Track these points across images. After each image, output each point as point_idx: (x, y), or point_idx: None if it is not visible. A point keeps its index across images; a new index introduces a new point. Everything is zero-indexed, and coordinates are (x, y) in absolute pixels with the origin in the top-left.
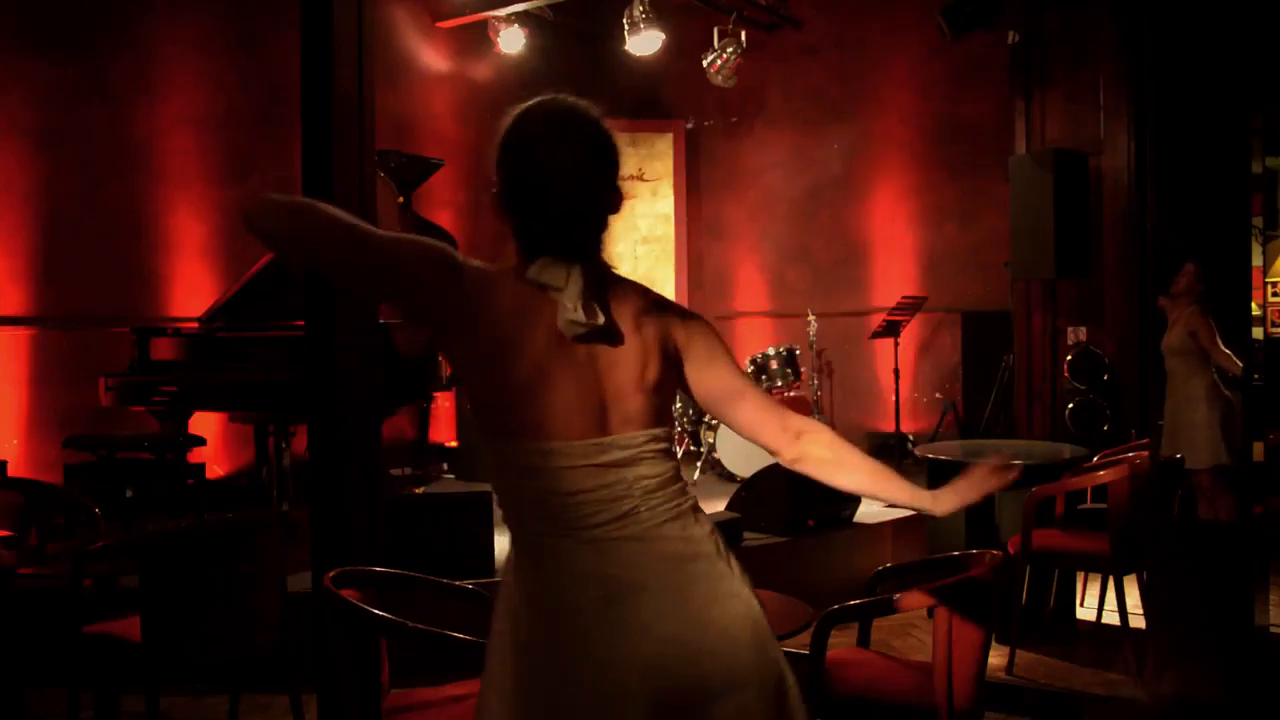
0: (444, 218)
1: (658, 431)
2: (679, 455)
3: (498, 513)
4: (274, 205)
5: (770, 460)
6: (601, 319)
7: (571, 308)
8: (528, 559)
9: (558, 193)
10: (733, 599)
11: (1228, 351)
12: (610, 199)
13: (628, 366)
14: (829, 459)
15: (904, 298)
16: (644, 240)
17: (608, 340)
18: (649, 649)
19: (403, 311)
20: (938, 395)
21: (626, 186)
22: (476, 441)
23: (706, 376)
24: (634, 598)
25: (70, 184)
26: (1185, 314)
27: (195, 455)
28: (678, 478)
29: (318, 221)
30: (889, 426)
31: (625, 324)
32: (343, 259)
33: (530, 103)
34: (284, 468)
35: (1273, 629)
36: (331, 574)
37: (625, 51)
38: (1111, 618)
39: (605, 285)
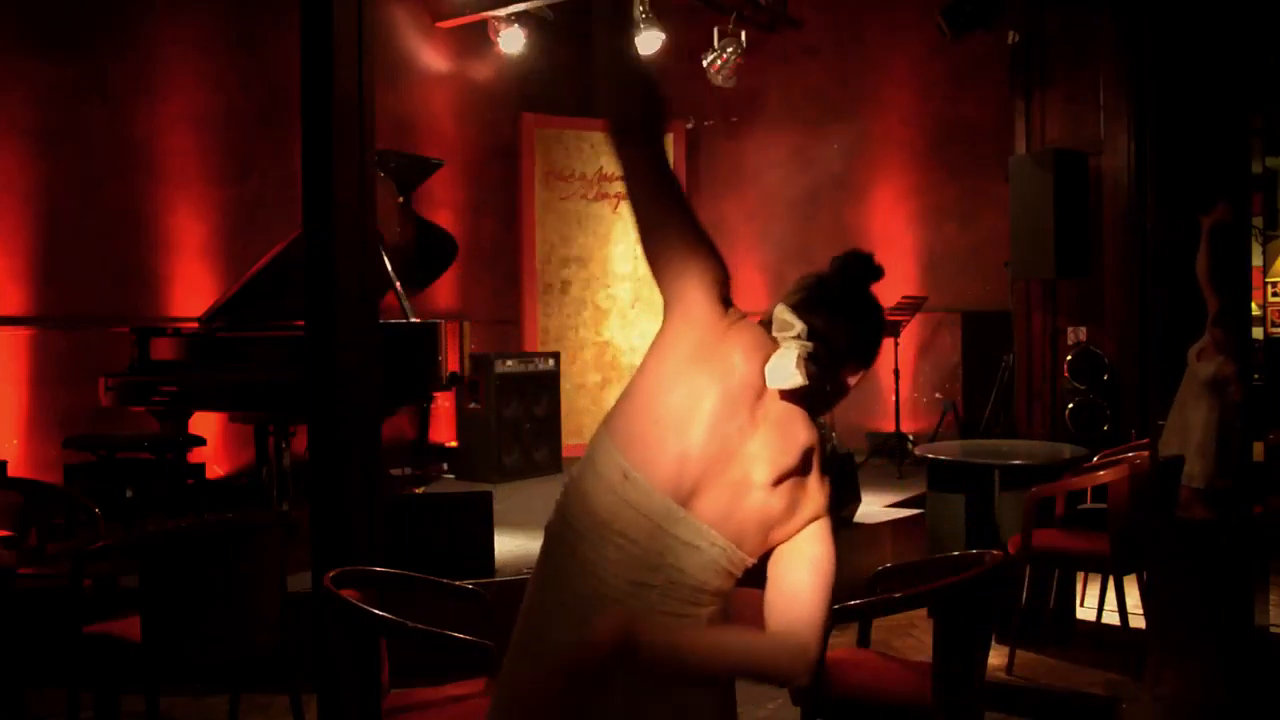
0: (444, 218)
1: (728, 547)
2: None
3: (498, 512)
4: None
5: None
6: (799, 384)
7: (789, 359)
8: (548, 566)
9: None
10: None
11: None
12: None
13: (756, 475)
14: None
15: (904, 298)
16: None
17: (779, 439)
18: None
19: (668, 272)
20: (938, 395)
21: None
22: (476, 442)
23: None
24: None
25: (70, 184)
26: (1221, 357)
27: (195, 455)
28: (709, 596)
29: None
30: (889, 426)
31: (789, 458)
32: (672, 188)
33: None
34: (284, 468)
35: (1273, 629)
36: (331, 574)
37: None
38: (1111, 618)
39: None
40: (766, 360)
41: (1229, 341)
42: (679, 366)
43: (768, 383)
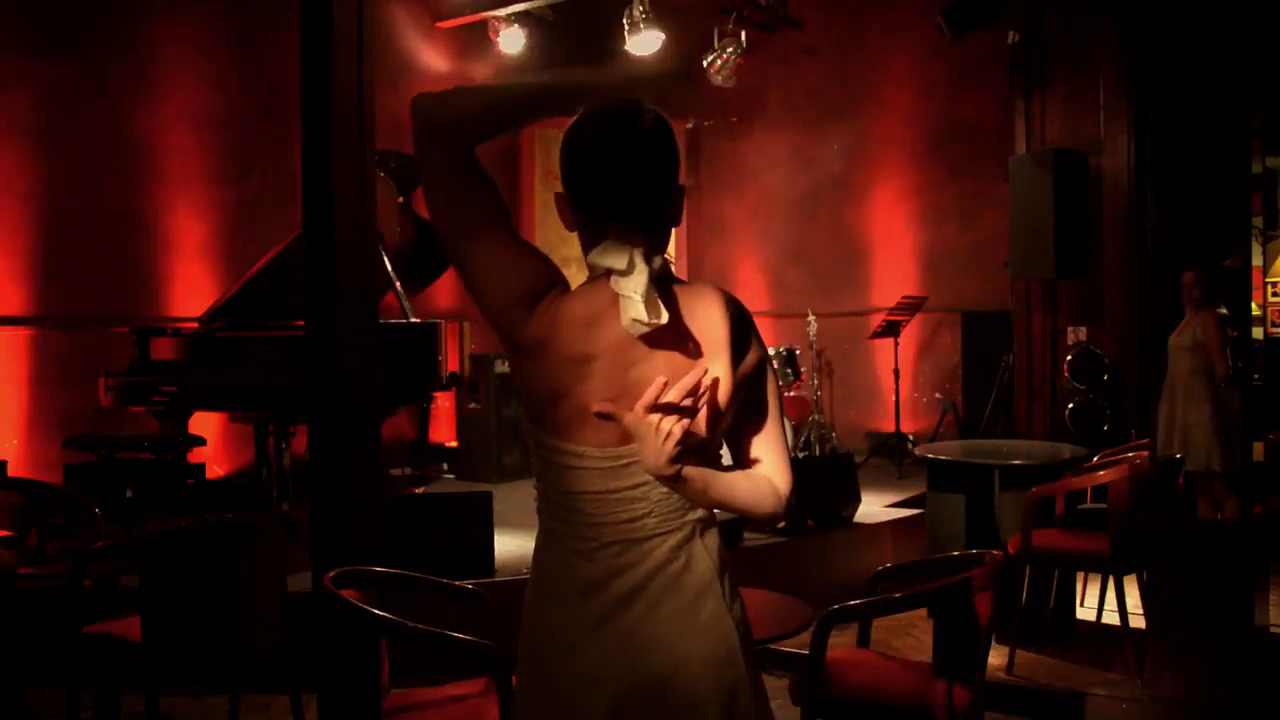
0: None
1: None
2: None
3: (498, 512)
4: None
5: None
6: (665, 317)
7: (636, 300)
8: (543, 548)
9: (616, 184)
10: (715, 623)
11: (1226, 359)
12: (669, 194)
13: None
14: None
15: (904, 298)
16: None
17: (670, 346)
18: (627, 654)
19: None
20: (938, 395)
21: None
22: (476, 442)
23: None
24: (624, 603)
25: (70, 184)
26: (1198, 317)
27: (195, 455)
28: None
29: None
30: (889, 426)
31: (693, 332)
32: (476, 208)
33: (591, 110)
34: (284, 468)
35: (1273, 629)
36: (331, 574)
37: (625, 51)
38: (1111, 618)
39: (671, 285)
40: (606, 306)
41: (1205, 295)
42: (543, 369)
43: (635, 334)
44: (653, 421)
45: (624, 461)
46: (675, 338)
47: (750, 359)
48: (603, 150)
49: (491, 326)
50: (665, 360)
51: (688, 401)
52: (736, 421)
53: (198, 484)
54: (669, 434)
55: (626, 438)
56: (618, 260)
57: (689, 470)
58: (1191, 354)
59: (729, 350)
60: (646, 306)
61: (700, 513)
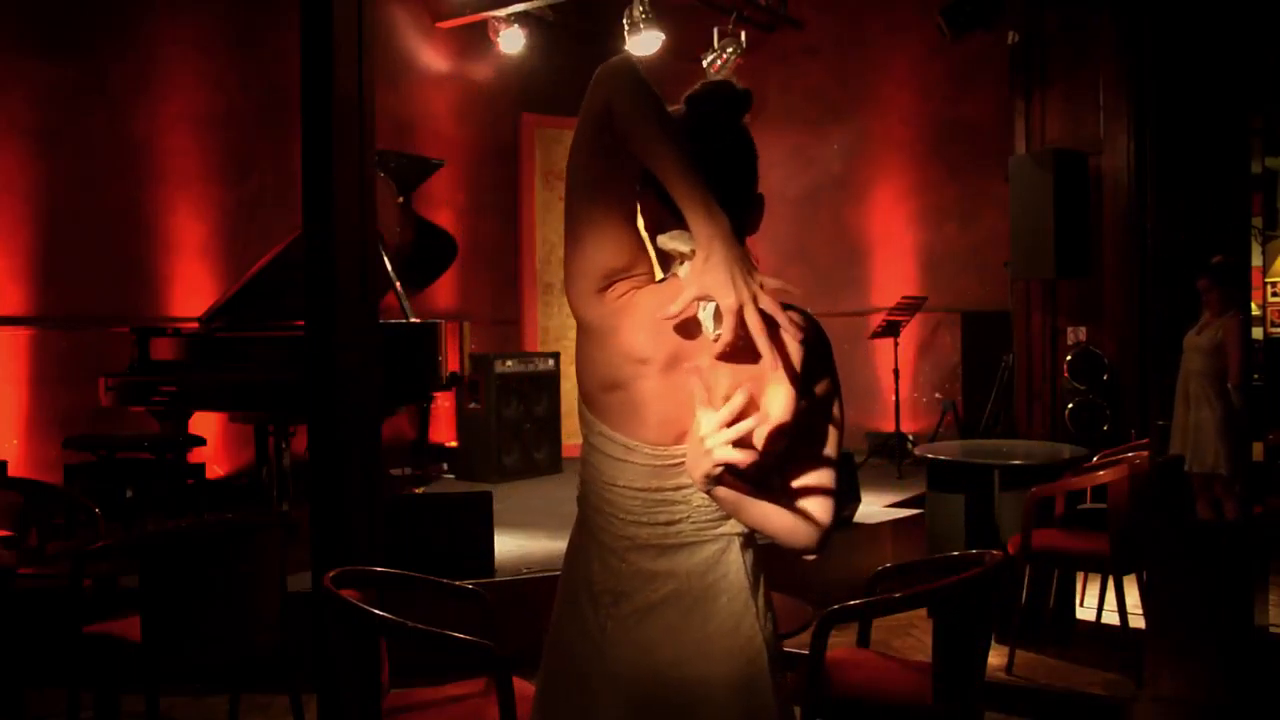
0: (444, 218)
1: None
2: None
3: (498, 512)
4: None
5: None
6: (720, 329)
7: (707, 308)
8: (577, 542)
9: (705, 164)
10: (746, 644)
11: (1243, 365)
12: (750, 195)
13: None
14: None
15: (904, 298)
16: None
17: (739, 360)
18: (651, 667)
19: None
20: (937, 395)
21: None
22: (476, 442)
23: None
24: (652, 612)
25: (70, 184)
26: (1221, 320)
27: (195, 455)
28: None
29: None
30: (889, 426)
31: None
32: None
33: (694, 89)
34: (284, 468)
35: (1273, 629)
36: (331, 574)
37: (625, 52)
38: (1111, 618)
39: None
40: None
41: (1225, 298)
42: (602, 357)
43: (711, 341)
44: (706, 434)
45: (671, 462)
46: (746, 353)
47: (820, 388)
48: (701, 126)
49: (568, 299)
50: (730, 374)
51: (752, 429)
52: (792, 446)
53: (198, 484)
54: (717, 450)
55: (680, 438)
56: (684, 243)
57: (719, 490)
58: (1206, 355)
59: (799, 376)
60: (716, 326)
61: (737, 526)
